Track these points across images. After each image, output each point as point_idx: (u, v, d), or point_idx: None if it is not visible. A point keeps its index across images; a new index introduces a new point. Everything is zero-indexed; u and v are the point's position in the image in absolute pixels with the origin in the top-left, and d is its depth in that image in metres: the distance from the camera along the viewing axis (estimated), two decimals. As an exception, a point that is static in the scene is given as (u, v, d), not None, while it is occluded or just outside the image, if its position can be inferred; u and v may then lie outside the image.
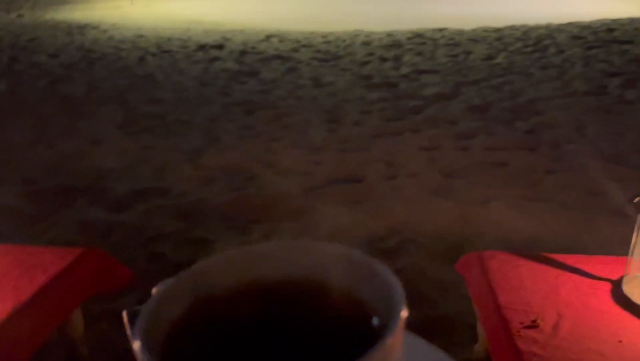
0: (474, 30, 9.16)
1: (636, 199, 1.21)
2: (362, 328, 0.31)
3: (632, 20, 9.64)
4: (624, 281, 1.31)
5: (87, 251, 1.46)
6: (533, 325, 1.15)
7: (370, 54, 7.25)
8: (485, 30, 9.11)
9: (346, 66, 6.58)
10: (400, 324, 0.27)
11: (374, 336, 0.27)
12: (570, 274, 1.34)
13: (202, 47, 7.96)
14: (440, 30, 9.26)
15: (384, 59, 6.90)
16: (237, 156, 3.65)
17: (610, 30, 8.62)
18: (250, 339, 0.32)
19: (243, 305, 0.34)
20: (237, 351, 0.31)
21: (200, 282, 0.33)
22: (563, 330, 1.14)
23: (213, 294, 0.33)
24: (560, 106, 4.64)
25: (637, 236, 1.26)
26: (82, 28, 10.03)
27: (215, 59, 7.13)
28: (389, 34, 8.95)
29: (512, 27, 9.33)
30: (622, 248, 1.34)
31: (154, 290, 0.33)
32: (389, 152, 3.69)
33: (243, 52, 7.53)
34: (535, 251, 1.49)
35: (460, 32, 8.94)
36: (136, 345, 0.27)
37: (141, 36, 9.14)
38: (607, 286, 1.30)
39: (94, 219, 2.82)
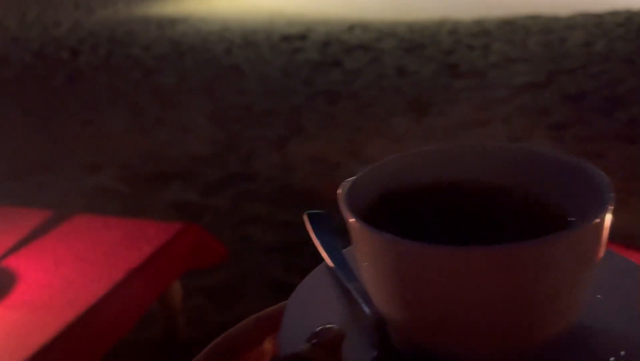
0: (570, 16, 8.68)
1: None
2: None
3: None
4: None
5: (186, 227, 1.53)
6: None
7: (457, 42, 7.06)
8: (583, 16, 8.61)
9: (431, 55, 6.45)
10: (604, 217, 0.25)
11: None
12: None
13: (285, 38, 8.08)
14: (533, 17, 8.85)
15: (470, 47, 6.70)
16: (321, 144, 3.69)
17: None
18: (436, 234, 0.31)
19: (429, 202, 0.34)
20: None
21: (387, 177, 0.34)
22: None
23: (399, 189, 0.34)
24: (666, 96, 4.31)
25: None
26: (172, 22, 10.49)
27: (298, 50, 7.22)
28: (477, 22, 8.67)
29: (614, 13, 8.75)
30: None
31: (341, 187, 0.33)
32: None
33: (326, 43, 7.57)
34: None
35: (555, 19, 8.49)
36: (344, 211, 0.28)
37: (227, 28, 9.42)
38: None
39: (187, 202, 2.96)
